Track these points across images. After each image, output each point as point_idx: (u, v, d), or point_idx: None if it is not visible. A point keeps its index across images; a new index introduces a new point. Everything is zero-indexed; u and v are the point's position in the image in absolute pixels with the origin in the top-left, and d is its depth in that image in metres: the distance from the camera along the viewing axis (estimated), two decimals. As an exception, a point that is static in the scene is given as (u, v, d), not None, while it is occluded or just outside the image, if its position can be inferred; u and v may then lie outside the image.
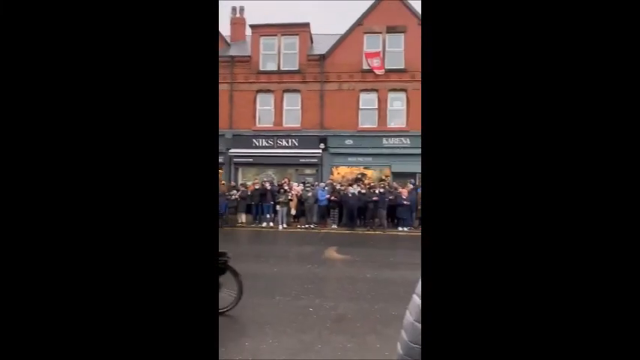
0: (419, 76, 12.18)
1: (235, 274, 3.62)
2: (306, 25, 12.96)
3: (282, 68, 12.80)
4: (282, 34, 12.83)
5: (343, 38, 12.71)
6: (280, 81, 12.77)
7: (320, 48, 13.11)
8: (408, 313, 1.11)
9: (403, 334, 1.10)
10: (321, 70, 12.68)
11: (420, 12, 12.36)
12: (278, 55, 12.86)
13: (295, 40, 12.85)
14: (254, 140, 12.71)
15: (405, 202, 9.66)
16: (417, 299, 1.10)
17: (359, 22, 12.64)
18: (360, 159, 12.45)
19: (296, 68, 12.76)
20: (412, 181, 10.90)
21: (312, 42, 13.59)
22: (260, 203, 10.23)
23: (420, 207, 9.96)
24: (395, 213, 9.84)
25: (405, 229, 9.62)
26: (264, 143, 12.66)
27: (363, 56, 12.48)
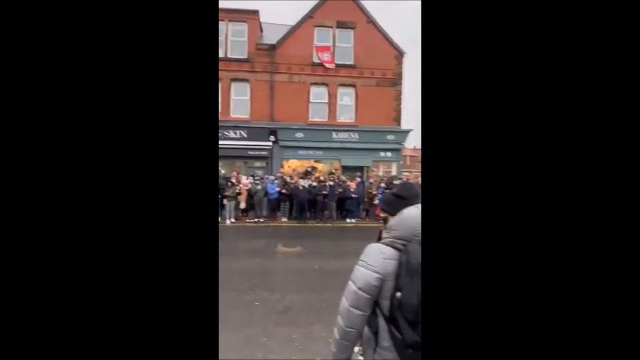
0: (367, 73, 12.58)
1: None
2: (256, 12, 12.52)
3: (229, 56, 12.25)
4: (230, 20, 12.23)
5: (294, 30, 12.54)
6: (228, 69, 12.21)
7: (270, 38, 12.78)
8: (344, 299, 1.16)
9: (339, 319, 1.14)
10: (271, 60, 12.39)
11: (368, 10, 12.73)
12: (225, 41, 12.26)
13: (244, 28, 12.36)
14: (199, 131, 12.03)
15: (353, 195, 9.98)
16: (351, 285, 1.14)
17: (310, 15, 12.58)
18: (311, 152, 12.50)
19: (245, 57, 12.31)
20: (359, 174, 11.28)
21: (261, 31, 13.18)
22: (206, 197, 9.75)
23: (366, 199, 10.42)
24: (344, 205, 10.12)
25: (353, 220, 9.95)
26: (211, 134, 12.05)
27: (314, 49, 12.47)
